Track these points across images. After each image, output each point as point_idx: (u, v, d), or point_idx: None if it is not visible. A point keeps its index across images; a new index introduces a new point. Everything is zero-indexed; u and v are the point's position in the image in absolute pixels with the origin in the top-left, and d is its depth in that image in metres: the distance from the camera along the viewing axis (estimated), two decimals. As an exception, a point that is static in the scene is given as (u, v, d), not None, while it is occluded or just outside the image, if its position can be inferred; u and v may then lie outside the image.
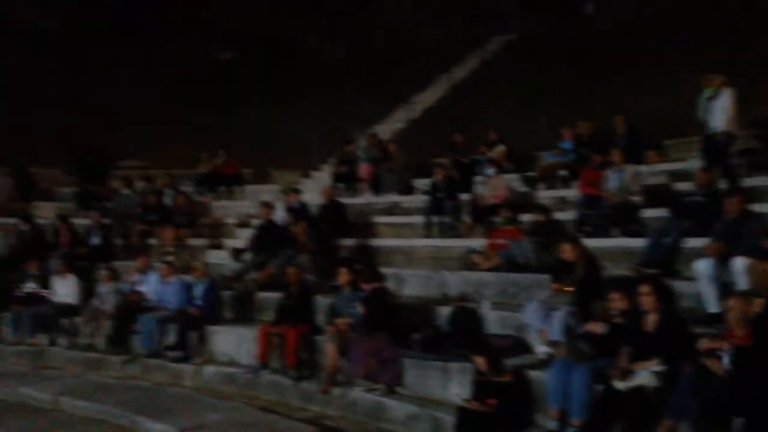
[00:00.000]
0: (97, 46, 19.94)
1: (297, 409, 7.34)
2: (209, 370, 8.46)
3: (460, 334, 6.97)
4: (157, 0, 21.58)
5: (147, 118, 17.04)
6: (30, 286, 10.24)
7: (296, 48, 21.48)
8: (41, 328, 9.78)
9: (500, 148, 11.94)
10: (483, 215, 9.71)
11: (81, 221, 12.10)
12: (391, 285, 8.20)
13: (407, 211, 11.18)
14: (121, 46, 20.02)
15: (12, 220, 12.45)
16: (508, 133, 12.72)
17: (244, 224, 12.16)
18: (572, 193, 10.02)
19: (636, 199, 8.75)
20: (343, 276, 7.84)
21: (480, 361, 6.00)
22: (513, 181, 10.88)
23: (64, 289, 10.06)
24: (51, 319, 9.81)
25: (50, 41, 20.08)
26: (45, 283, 10.23)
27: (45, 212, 13.11)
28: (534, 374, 6.11)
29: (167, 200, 12.51)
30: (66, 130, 16.22)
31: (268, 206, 10.80)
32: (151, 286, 9.72)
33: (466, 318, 7.19)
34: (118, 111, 17.22)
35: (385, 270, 8.54)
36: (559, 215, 9.12)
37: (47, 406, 7.59)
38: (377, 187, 12.17)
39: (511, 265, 8.20)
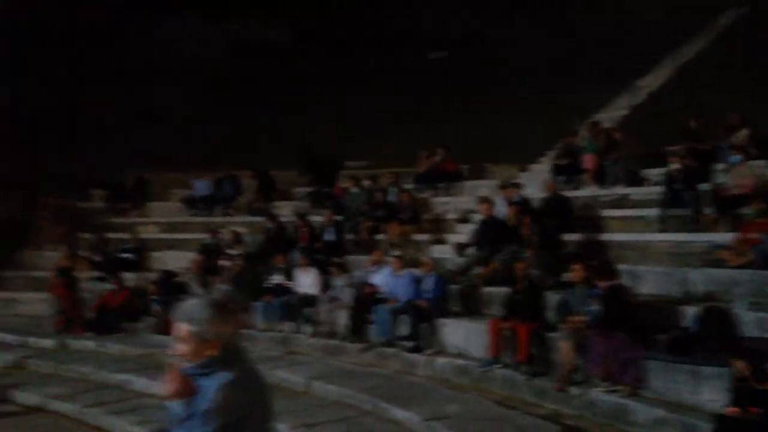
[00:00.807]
0: (321, 55, 21.42)
1: (531, 405, 7.30)
2: (441, 361, 8.70)
3: (712, 337, 6.48)
4: (373, 8, 22.63)
5: (370, 120, 17.95)
6: (277, 278, 11.25)
7: (507, 43, 21.30)
8: (287, 317, 10.64)
9: (743, 133, 10.86)
10: (728, 207, 8.90)
11: (316, 218, 13.02)
12: (625, 282, 7.84)
13: (637, 204, 10.59)
14: (343, 53, 21.30)
15: (258, 219, 13.81)
16: (748, 115, 11.53)
17: (464, 220, 12.33)
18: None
19: None
20: (578, 272, 7.66)
21: (741, 366, 5.54)
22: (760, 168, 9.85)
23: (306, 281, 10.88)
24: (295, 308, 10.65)
25: (280, 53, 21.94)
26: (289, 276, 11.18)
27: (284, 211, 14.29)
28: (805, 383, 5.51)
29: (391, 197, 13.07)
30: (299, 134, 17.61)
31: (488, 202, 10.84)
32: (382, 278, 10.23)
33: (719, 319, 6.65)
34: (344, 115, 18.34)
35: (618, 266, 8.18)
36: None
37: (299, 389, 8.22)
38: (602, 179, 11.67)
39: (766, 261, 7.44)
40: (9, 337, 11.43)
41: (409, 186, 13.67)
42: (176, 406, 2.75)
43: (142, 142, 16.97)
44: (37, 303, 13.01)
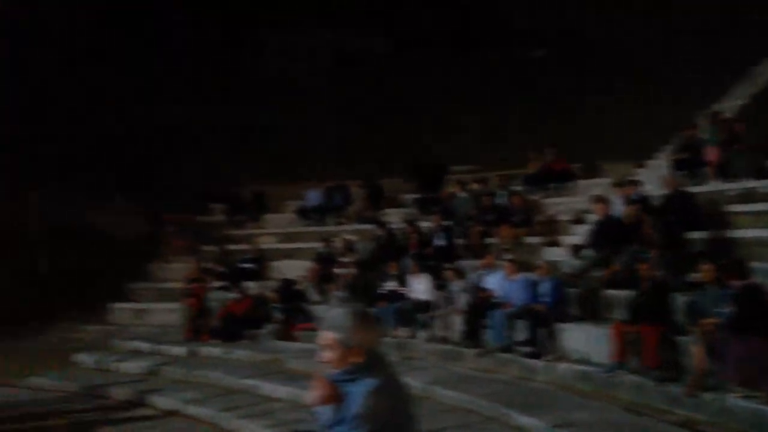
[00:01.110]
0: (421, 60, 21.54)
1: (662, 412, 7.02)
2: (562, 366, 8.52)
3: None
4: (474, 9, 22.50)
5: (472, 123, 17.89)
6: (390, 285, 11.40)
7: (612, 39, 20.62)
8: (402, 322, 10.76)
9: None
10: None
11: (425, 224, 13.05)
12: (759, 281, 7.40)
13: (766, 198, 9.97)
14: (443, 57, 21.32)
15: (368, 227, 14.06)
16: None
17: (578, 220, 12.03)
18: None
19: None
20: (709, 272, 7.30)
21: None
22: None
23: (419, 287, 10.95)
24: (409, 314, 10.75)
25: (379, 60, 22.23)
26: (402, 282, 11.30)
27: (392, 218, 14.47)
28: None
29: (500, 200, 12.95)
30: (404, 141, 17.79)
31: (603, 201, 10.54)
32: (495, 282, 10.15)
33: None
34: (446, 120, 18.38)
35: (751, 264, 7.72)
36: None
37: (419, 394, 8.23)
38: (726, 173, 11.04)
39: None
40: (143, 345, 12.19)
41: (518, 188, 13.50)
42: (325, 412, 2.87)
43: (255, 157, 17.69)
44: (164, 313, 13.84)
